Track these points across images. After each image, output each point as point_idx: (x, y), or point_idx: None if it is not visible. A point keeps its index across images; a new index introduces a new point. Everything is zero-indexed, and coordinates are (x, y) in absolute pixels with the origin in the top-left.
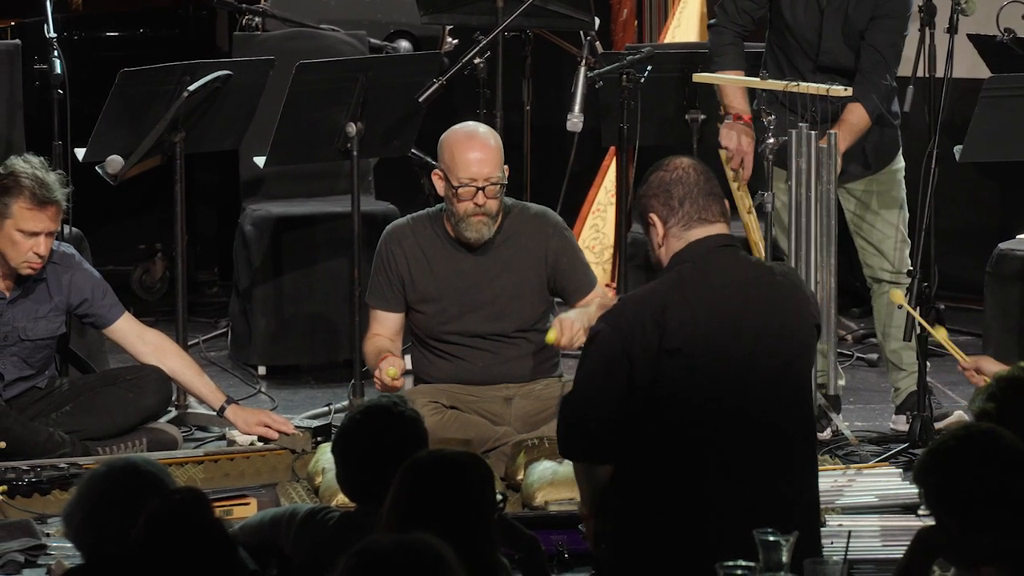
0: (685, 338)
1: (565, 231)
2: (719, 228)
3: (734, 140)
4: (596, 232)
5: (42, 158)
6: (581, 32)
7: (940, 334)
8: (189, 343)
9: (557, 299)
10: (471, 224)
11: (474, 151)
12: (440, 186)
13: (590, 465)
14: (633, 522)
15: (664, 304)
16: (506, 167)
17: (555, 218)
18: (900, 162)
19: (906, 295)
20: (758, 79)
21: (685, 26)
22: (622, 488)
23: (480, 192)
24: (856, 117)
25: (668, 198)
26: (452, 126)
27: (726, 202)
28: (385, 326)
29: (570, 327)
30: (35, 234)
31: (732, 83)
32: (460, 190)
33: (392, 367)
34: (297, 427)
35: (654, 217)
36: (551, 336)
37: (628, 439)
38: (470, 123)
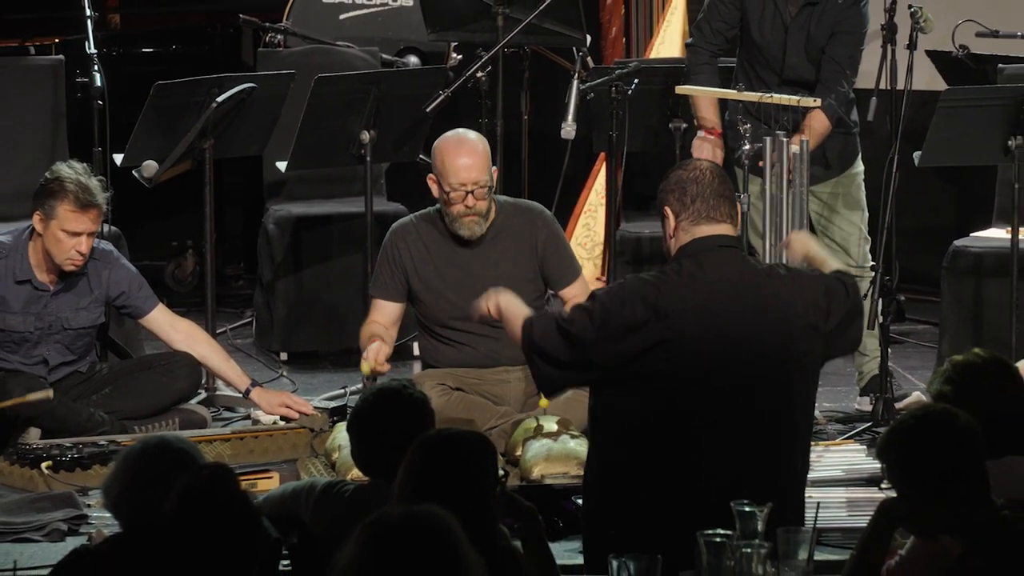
0: (675, 327)
1: (553, 224)
2: (725, 228)
3: (706, 152)
4: (587, 230)
5: (85, 164)
6: (574, 48)
7: None
8: (217, 331)
9: (551, 291)
10: (464, 223)
11: (463, 157)
12: (435, 189)
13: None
14: (624, 497)
15: (658, 292)
16: (494, 169)
17: (544, 212)
18: (860, 166)
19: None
20: (734, 91)
21: (668, 43)
22: (612, 467)
23: (470, 195)
24: (817, 122)
25: (682, 194)
26: (443, 134)
27: (738, 205)
28: (383, 314)
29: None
30: (77, 234)
31: (711, 95)
32: (452, 194)
33: (365, 363)
34: (316, 408)
35: (668, 210)
36: (544, 402)
37: (619, 417)
38: (460, 130)
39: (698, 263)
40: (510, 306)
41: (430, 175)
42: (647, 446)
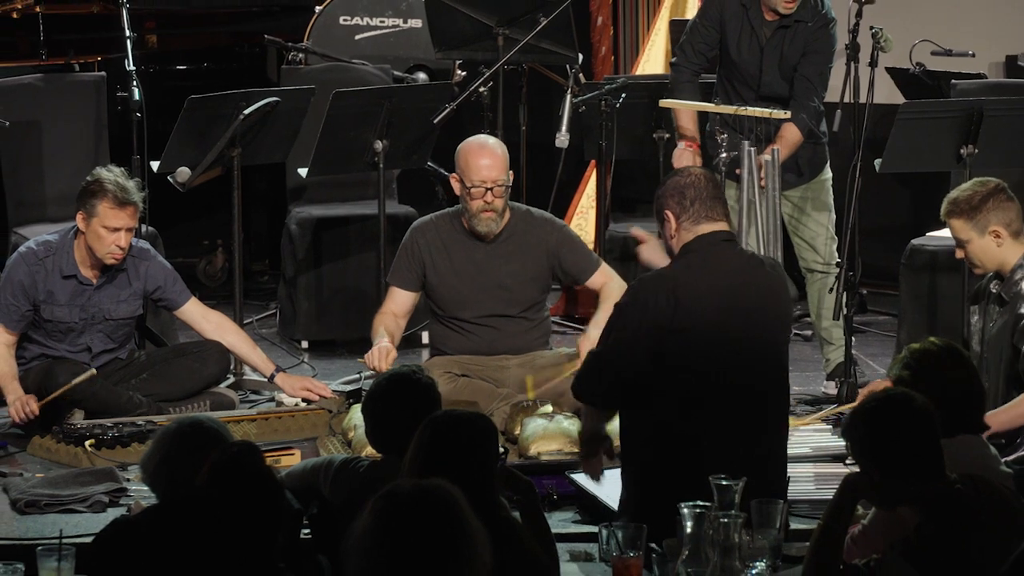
0: (693, 314)
1: (563, 228)
2: (722, 225)
3: (685, 162)
4: (579, 231)
5: (123, 168)
6: (567, 66)
7: None
8: (244, 322)
9: (555, 286)
10: (481, 219)
11: (484, 158)
12: (456, 187)
13: (595, 409)
14: (645, 471)
15: (675, 284)
16: (511, 172)
17: (555, 220)
18: (828, 173)
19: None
20: (712, 104)
21: (653, 61)
22: (637, 442)
23: (489, 192)
24: (790, 134)
25: (682, 198)
26: (467, 138)
27: (728, 205)
28: (397, 303)
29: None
30: (116, 230)
31: (691, 107)
32: (473, 190)
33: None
34: (334, 391)
35: (669, 214)
36: (530, 392)
37: (639, 400)
38: (481, 135)
39: (703, 257)
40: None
41: (452, 174)
42: (659, 426)
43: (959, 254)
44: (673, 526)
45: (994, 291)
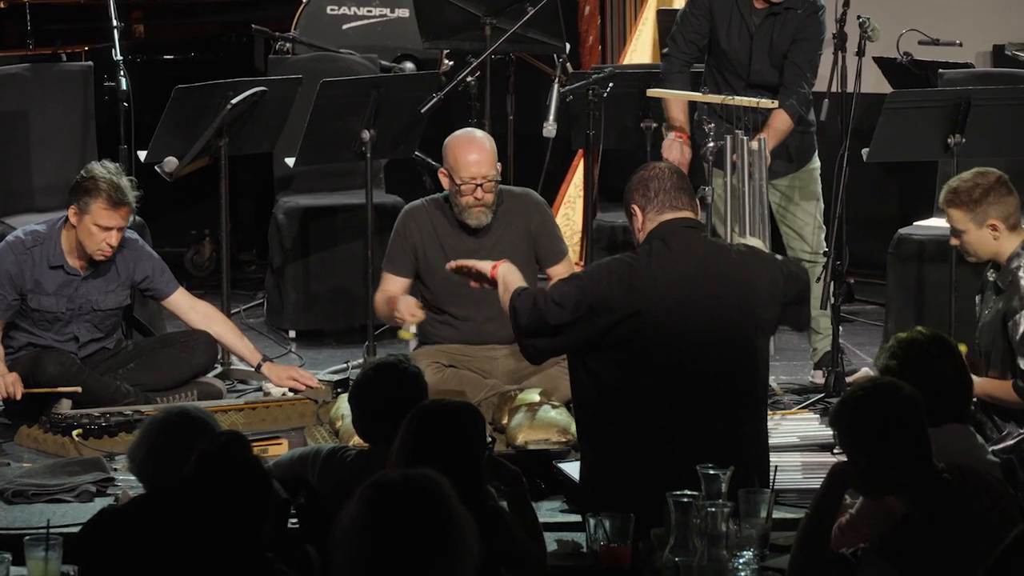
0: (647, 300)
1: (544, 207)
2: (686, 213)
3: (676, 153)
4: (567, 220)
5: (117, 164)
6: (555, 55)
7: None
8: (232, 312)
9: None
10: (472, 214)
11: (473, 154)
12: (445, 182)
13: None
14: (605, 458)
15: (631, 269)
16: (499, 164)
17: (536, 196)
18: (816, 162)
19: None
20: (700, 93)
21: (640, 50)
22: (595, 429)
23: (479, 188)
24: (780, 121)
25: (646, 190)
26: (454, 132)
27: (696, 196)
28: (393, 286)
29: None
30: (108, 229)
31: (678, 96)
32: (463, 187)
33: (402, 331)
34: (321, 381)
35: (635, 207)
36: (406, 334)
37: (599, 388)
38: (469, 129)
39: (665, 243)
40: (508, 276)
41: (441, 169)
42: (622, 412)
43: (954, 242)
44: (631, 512)
45: (991, 279)
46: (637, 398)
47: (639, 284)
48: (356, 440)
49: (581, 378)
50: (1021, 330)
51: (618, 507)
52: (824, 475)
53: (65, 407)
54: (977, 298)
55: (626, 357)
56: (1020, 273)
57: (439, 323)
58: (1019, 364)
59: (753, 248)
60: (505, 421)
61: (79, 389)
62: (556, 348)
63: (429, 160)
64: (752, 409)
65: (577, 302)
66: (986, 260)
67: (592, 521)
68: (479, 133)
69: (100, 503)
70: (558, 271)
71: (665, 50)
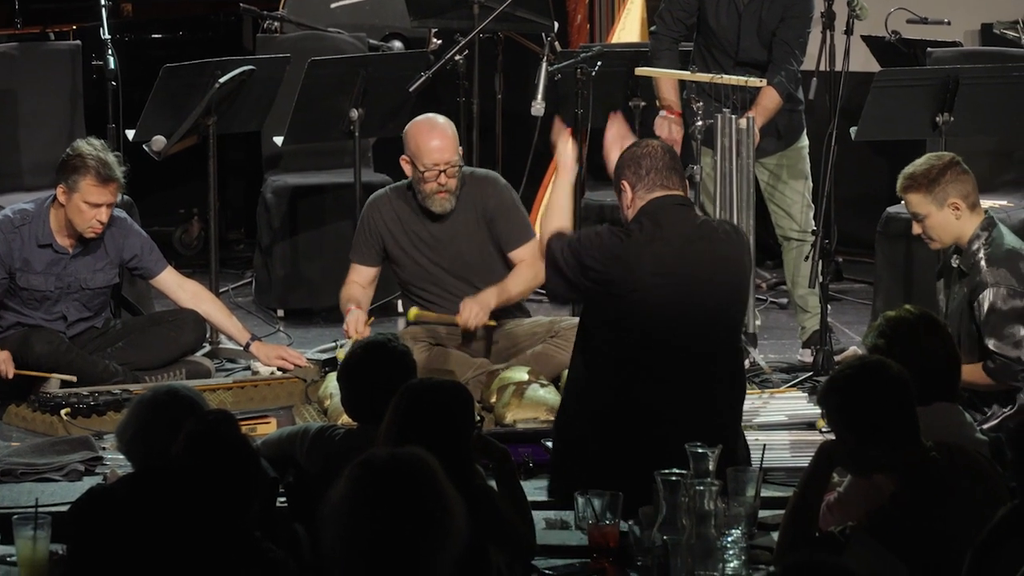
0: (636, 276)
1: (504, 191)
2: (677, 192)
3: (666, 130)
4: None
5: (103, 141)
6: (543, 34)
7: None
8: (220, 290)
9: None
10: (436, 200)
11: (435, 139)
12: (408, 169)
13: None
14: (586, 434)
15: (621, 244)
16: (460, 148)
17: (497, 181)
18: (805, 140)
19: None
20: (688, 72)
21: (629, 29)
22: (577, 405)
23: (442, 174)
24: (768, 99)
25: (637, 168)
26: (414, 119)
27: (685, 176)
28: (361, 276)
29: (470, 308)
30: (98, 205)
31: (666, 75)
32: (426, 173)
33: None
34: (309, 359)
35: (625, 184)
36: (411, 313)
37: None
38: (429, 115)
39: (656, 220)
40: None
41: (403, 156)
42: (611, 388)
43: (916, 229)
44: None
45: (955, 265)
46: (625, 375)
47: (629, 260)
48: (344, 419)
49: (577, 358)
50: (985, 309)
51: (602, 486)
52: (812, 454)
53: (54, 386)
54: (939, 283)
55: (615, 335)
56: (980, 255)
57: (417, 303)
58: (987, 344)
59: (737, 227)
60: (493, 400)
61: (75, 378)
62: (563, 295)
63: None
64: (731, 388)
65: (576, 261)
66: (949, 245)
67: (581, 499)
68: (440, 119)
69: (89, 482)
70: (520, 255)
71: (653, 28)
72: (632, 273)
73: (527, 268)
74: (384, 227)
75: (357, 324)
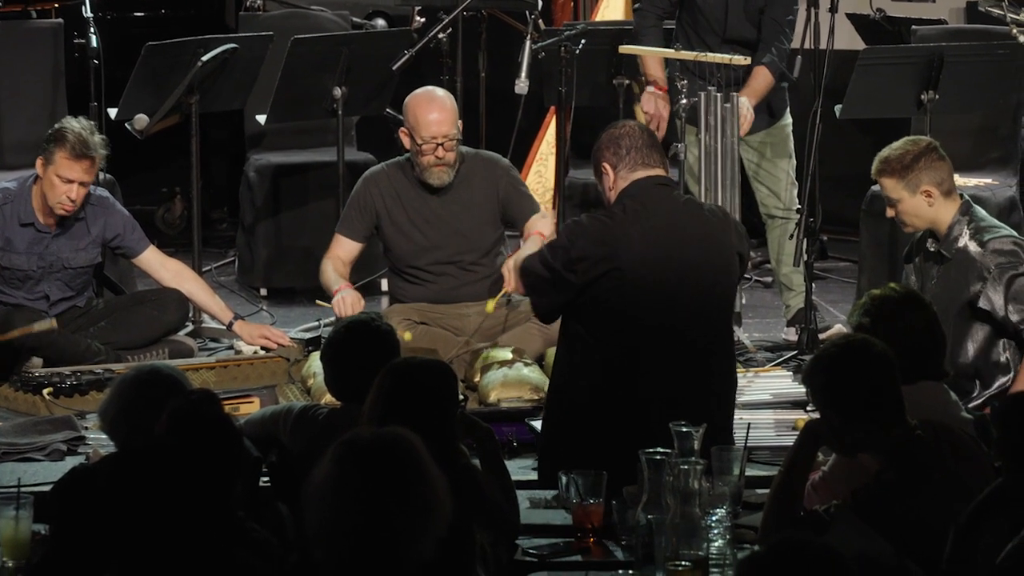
0: (623, 259)
1: (512, 171)
2: (659, 171)
3: (653, 106)
4: (539, 177)
5: (92, 122)
6: (527, 12)
7: None
8: (203, 270)
9: (508, 232)
10: (434, 173)
11: (433, 112)
12: (406, 141)
13: None
14: (576, 413)
15: (607, 227)
16: (460, 122)
17: (504, 162)
18: (788, 119)
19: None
20: (672, 50)
21: (613, 7)
22: (566, 383)
23: (440, 147)
24: (761, 79)
25: (617, 148)
26: (414, 91)
27: (667, 156)
28: (344, 250)
29: (508, 274)
30: (70, 181)
31: (650, 54)
32: (424, 146)
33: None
34: (292, 339)
35: (606, 166)
36: (489, 306)
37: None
38: (429, 88)
39: (640, 201)
40: (519, 257)
41: (402, 129)
42: (599, 369)
43: (890, 212)
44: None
45: (931, 249)
46: (613, 356)
47: (615, 243)
48: (328, 398)
49: (563, 340)
50: (1009, 293)
51: (588, 465)
52: (797, 433)
53: (36, 365)
54: (908, 267)
55: (602, 317)
56: (966, 240)
57: (407, 283)
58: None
59: (720, 208)
60: (477, 379)
61: (54, 323)
62: (555, 306)
63: (400, 117)
64: (722, 368)
65: (557, 258)
66: (923, 228)
67: (565, 479)
68: (439, 91)
69: (71, 462)
70: (532, 224)
71: (637, 5)
72: (621, 252)
73: (539, 237)
74: (381, 203)
75: (353, 306)
